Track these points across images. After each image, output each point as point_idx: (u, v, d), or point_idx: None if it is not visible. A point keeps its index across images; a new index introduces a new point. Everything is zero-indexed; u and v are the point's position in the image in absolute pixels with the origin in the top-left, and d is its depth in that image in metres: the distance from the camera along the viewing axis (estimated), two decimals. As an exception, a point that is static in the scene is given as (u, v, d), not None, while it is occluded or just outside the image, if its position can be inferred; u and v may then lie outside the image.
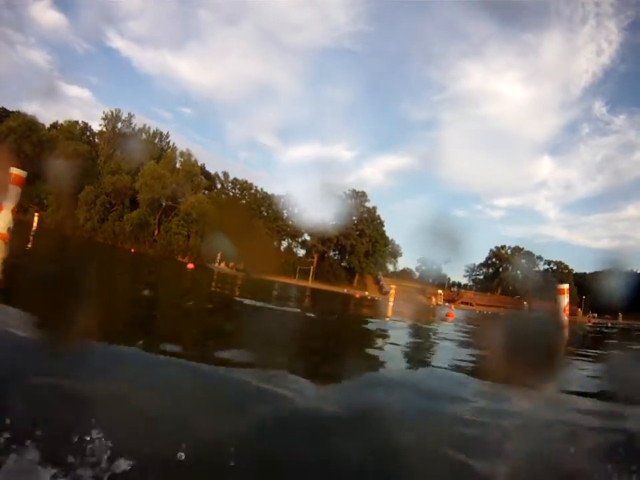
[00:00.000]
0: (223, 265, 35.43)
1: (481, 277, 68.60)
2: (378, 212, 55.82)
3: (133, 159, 49.02)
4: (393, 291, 18.03)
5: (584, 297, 66.66)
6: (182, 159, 45.49)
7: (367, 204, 54.92)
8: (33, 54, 67.20)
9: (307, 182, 79.55)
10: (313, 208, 53.90)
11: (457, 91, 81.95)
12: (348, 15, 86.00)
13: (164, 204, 44.54)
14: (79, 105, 74.15)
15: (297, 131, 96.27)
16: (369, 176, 79.93)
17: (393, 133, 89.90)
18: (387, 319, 9.73)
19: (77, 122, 51.33)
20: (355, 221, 52.15)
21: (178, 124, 78.96)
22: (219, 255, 35.48)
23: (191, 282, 12.40)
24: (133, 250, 39.03)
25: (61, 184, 50.71)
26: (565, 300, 8.85)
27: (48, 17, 70.69)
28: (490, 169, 78.96)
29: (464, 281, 68.55)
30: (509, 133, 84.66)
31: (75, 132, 50.42)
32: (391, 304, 15.95)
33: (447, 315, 15.14)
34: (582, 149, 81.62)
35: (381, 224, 55.50)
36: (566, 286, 9.13)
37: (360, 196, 53.36)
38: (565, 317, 9.12)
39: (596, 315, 62.83)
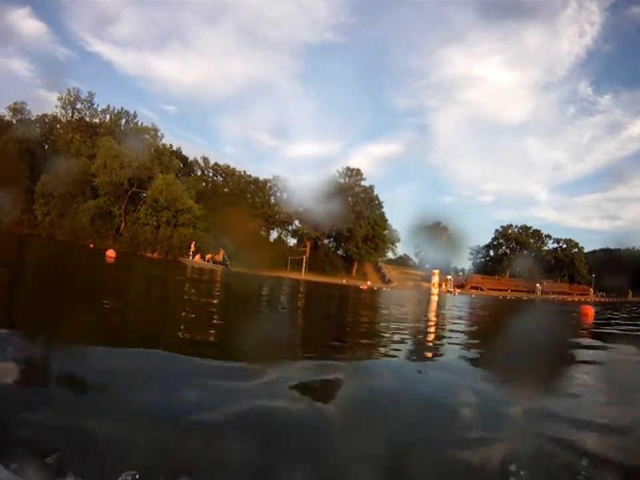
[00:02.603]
0: (197, 257, 29.86)
1: (483, 259, 64.56)
2: (375, 192, 50.23)
3: (95, 143, 42.83)
4: (436, 278, 12.73)
5: (593, 275, 63.23)
6: (147, 136, 39.01)
7: (364, 182, 49.18)
8: (13, 63, 65.37)
9: (297, 172, 76.74)
10: (304, 191, 48.55)
11: (441, 76, 79.75)
12: (329, 8, 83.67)
13: (129, 190, 38.13)
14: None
15: (284, 124, 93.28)
16: (356, 166, 77.70)
17: (378, 121, 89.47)
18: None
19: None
20: (351, 202, 46.15)
21: (163, 122, 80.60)
22: (192, 245, 29.87)
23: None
24: (92, 245, 33.04)
25: (13, 175, 44.55)
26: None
27: (27, 25, 67.01)
28: (477, 153, 76.61)
29: (467, 265, 64.27)
30: (495, 116, 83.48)
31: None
32: (435, 297, 10.88)
33: (582, 314, 10.14)
34: (569, 129, 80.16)
35: (380, 205, 49.73)
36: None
37: (355, 174, 47.46)
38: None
39: (604, 294, 59.56)
